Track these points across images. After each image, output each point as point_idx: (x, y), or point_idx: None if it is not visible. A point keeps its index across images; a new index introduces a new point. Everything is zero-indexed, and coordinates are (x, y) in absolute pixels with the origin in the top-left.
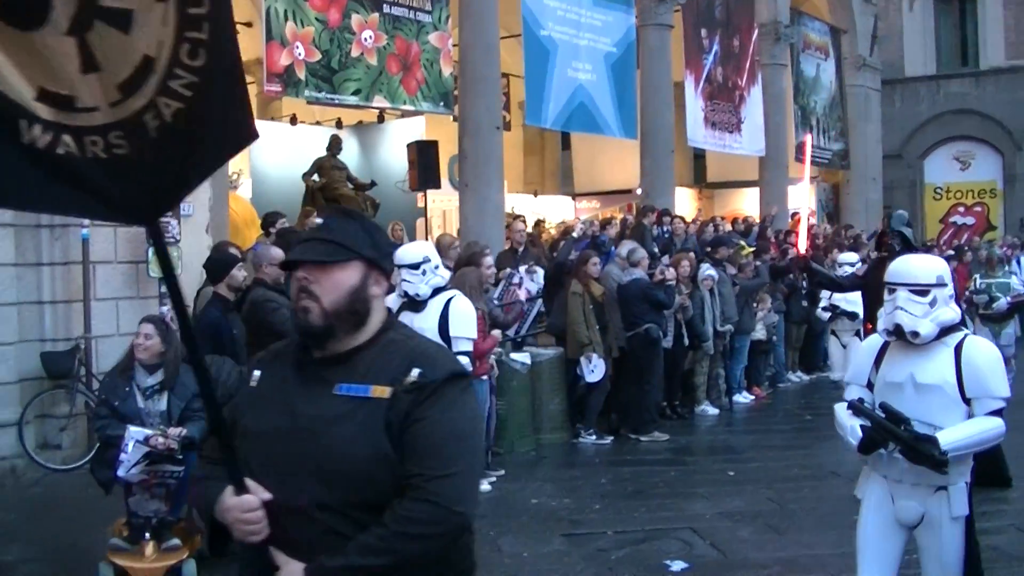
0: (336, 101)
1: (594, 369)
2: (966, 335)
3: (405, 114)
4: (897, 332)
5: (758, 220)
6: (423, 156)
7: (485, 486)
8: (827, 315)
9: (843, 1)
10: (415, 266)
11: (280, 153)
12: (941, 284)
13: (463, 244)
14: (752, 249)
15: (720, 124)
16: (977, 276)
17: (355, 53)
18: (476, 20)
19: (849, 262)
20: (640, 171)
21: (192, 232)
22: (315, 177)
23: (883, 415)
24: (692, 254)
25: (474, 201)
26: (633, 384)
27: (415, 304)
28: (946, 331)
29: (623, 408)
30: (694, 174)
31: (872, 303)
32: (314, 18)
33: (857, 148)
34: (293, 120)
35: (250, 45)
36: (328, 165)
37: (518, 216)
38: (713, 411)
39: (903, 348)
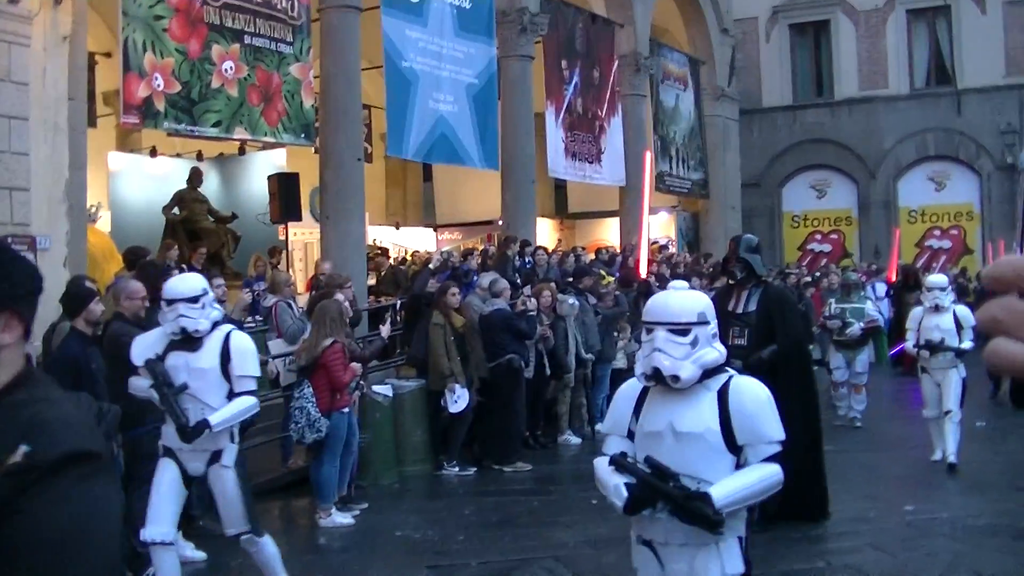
0: (196, 133)
1: (457, 400)
2: (731, 377)
3: (266, 146)
4: (656, 376)
5: (619, 249)
6: (284, 188)
7: (349, 519)
8: None
9: (702, 32)
10: (194, 299)
11: (140, 185)
12: (703, 322)
13: (325, 276)
14: (613, 278)
15: (581, 154)
16: (832, 301)
17: (216, 84)
18: (338, 51)
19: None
20: (502, 202)
21: (49, 266)
22: (175, 210)
23: (649, 470)
24: (553, 284)
25: (336, 233)
26: (496, 414)
27: (190, 342)
28: (709, 373)
29: (486, 439)
30: (555, 204)
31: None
32: (174, 49)
33: (716, 177)
34: (153, 152)
35: (108, 76)
36: (189, 198)
37: (383, 249)
38: (576, 440)
39: (663, 393)
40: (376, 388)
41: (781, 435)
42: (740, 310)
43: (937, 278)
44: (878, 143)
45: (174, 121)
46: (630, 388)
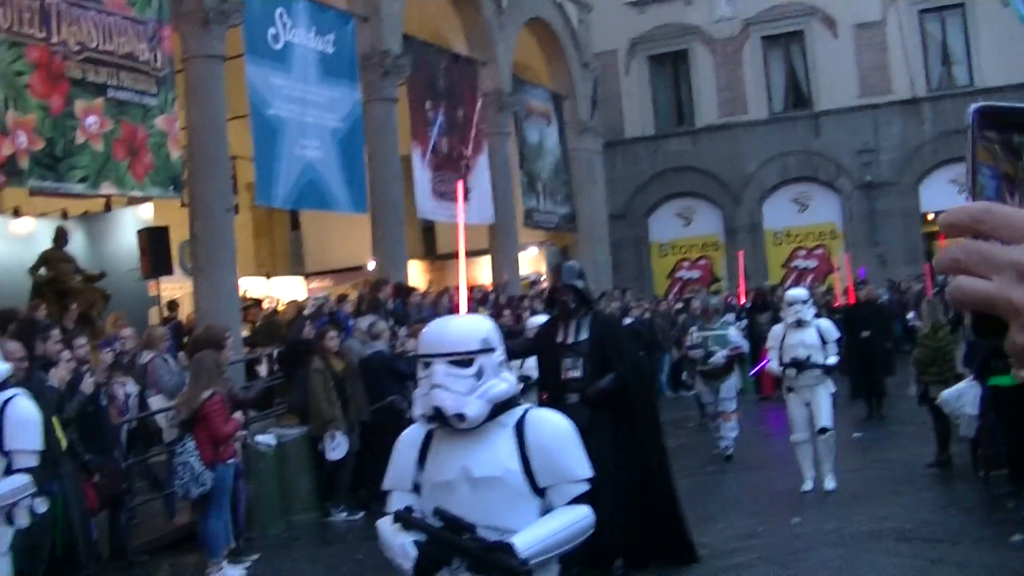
0: (62, 190)
1: (336, 447)
2: (527, 410)
3: (133, 201)
4: (438, 417)
5: (491, 287)
6: (154, 243)
7: (241, 572)
8: (520, 386)
9: (562, 68)
10: None
11: (3, 247)
12: (488, 349)
13: (201, 327)
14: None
15: (448, 194)
16: (693, 329)
17: (80, 139)
18: (203, 101)
19: (538, 324)
20: (372, 245)
21: None
22: (42, 271)
23: (440, 524)
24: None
25: (208, 285)
26: (381, 457)
27: None
28: (501, 408)
29: (373, 482)
30: (424, 246)
31: (545, 370)
32: (35, 105)
33: (583, 210)
34: (16, 212)
35: None
36: (55, 258)
37: (256, 299)
38: None
39: (450, 436)
40: (259, 438)
41: (588, 472)
42: (571, 340)
43: (796, 292)
44: (741, 168)
45: (39, 179)
46: (412, 435)
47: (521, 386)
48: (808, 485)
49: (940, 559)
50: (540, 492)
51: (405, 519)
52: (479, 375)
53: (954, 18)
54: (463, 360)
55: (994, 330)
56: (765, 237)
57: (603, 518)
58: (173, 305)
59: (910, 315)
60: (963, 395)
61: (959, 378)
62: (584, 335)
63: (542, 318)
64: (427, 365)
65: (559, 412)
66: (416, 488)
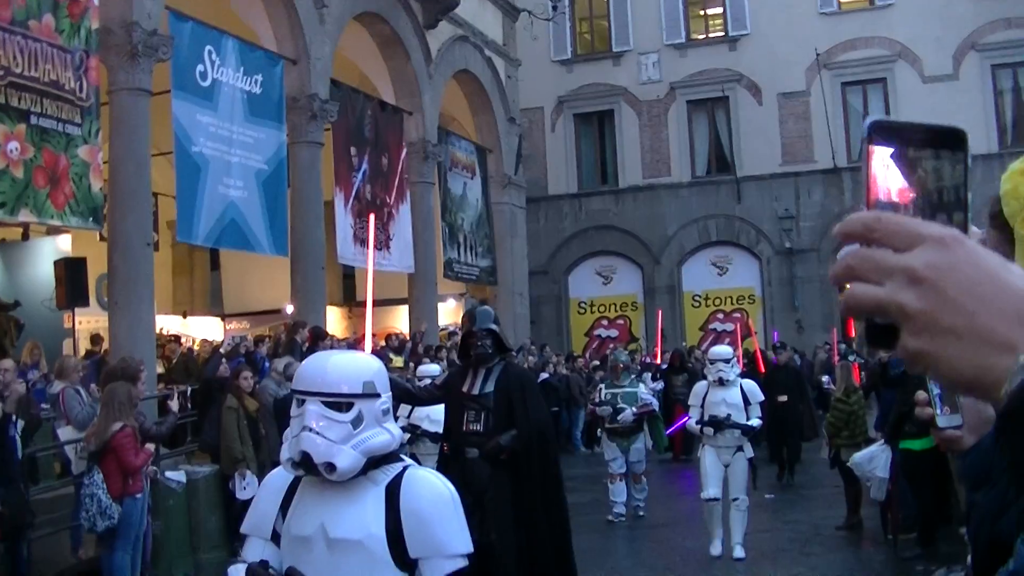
0: None
1: (247, 486)
2: (405, 469)
3: (52, 230)
4: (305, 463)
5: (408, 336)
6: (71, 274)
7: None
8: (406, 436)
9: (489, 121)
10: None
11: None
12: (371, 394)
13: (116, 360)
14: (403, 363)
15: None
16: (602, 386)
17: (0, 165)
18: (127, 134)
19: (430, 374)
20: (291, 288)
21: None
22: None
23: None
24: None
25: (125, 320)
26: None
27: None
28: (377, 462)
29: None
30: (343, 292)
31: (449, 420)
32: None
33: (504, 264)
34: None
35: None
36: None
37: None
38: None
39: (317, 486)
40: (169, 474)
41: (466, 547)
42: (476, 391)
43: (721, 349)
44: (662, 229)
45: None
46: (277, 478)
47: (407, 437)
48: (716, 548)
49: None
50: (409, 564)
51: (256, 575)
52: (357, 422)
53: (876, 92)
54: (341, 403)
55: (886, 338)
56: (684, 299)
57: None
58: (97, 339)
59: (824, 379)
60: (874, 458)
61: (870, 442)
62: (491, 387)
63: (434, 367)
64: (301, 403)
65: (455, 469)
66: (276, 537)
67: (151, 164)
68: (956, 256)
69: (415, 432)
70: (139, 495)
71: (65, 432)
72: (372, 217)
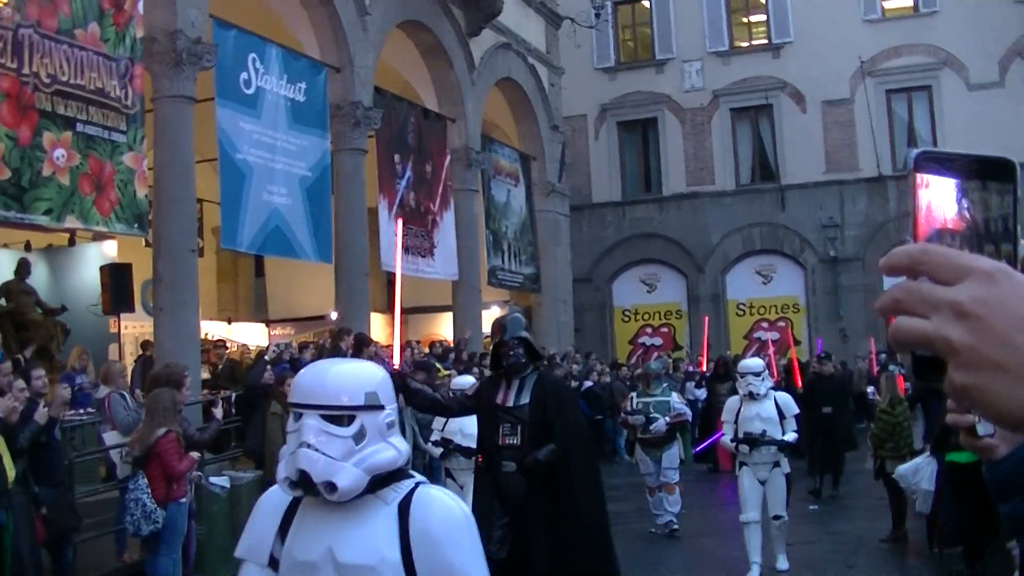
0: (27, 221)
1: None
2: (416, 486)
3: (97, 236)
4: (304, 483)
5: (452, 343)
6: (116, 279)
7: None
8: (438, 451)
9: (532, 129)
10: None
11: None
12: (374, 406)
13: (160, 366)
14: (449, 372)
15: (413, 249)
16: (633, 395)
17: (47, 172)
18: (171, 142)
19: (463, 386)
20: (335, 295)
21: None
22: (2, 301)
23: None
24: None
25: (170, 325)
26: None
27: None
28: (385, 480)
29: None
30: (387, 299)
31: (482, 433)
32: (4, 135)
33: (548, 272)
34: None
35: None
36: (16, 289)
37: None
38: None
39: (319, 508)
40: (213, 479)
41: (482, 573)
42: (510, 403)
43: (751, 362)
44: (705, 238)
45: (3, 208)
46: (274, 498)
47: (440, 452)
48: (755, 573)
49: None
50: None
51: None
52: (359, 437)
53: (921, 99)
54: (341, 417)
55: (933, 372)
56: (728, 307)
57: None
58: (147, 345)
59: (869, 389)
60: (920, 470)
61: (915, 453)
62: (525, 399)
63: (468, 379)
64: (298, 417)
65: (490, 483)
66: (274, 562)
67: (195, 171)
68: (1004, 290)
69: (448, 447)
70: (183, 500)
71: (110, 437)
72: (400, 222)
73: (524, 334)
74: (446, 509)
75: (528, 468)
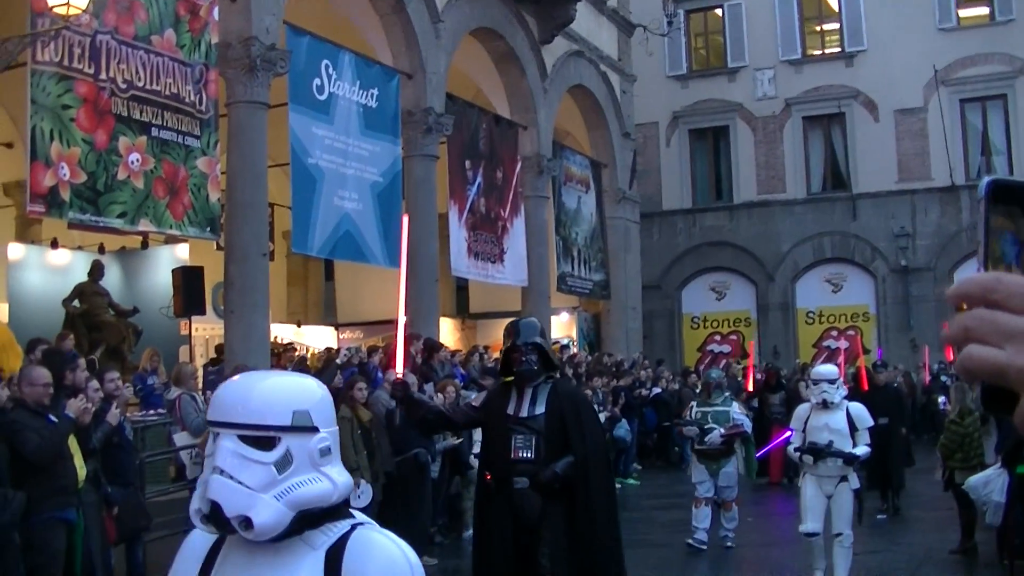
0: (101, 223)
1: (360, 495)
2: (354, 528)
3: (169, 240)
4: (215, 517)
5: None
6: (188, 282)
7: None
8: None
9: (603, 136)
10: None
11: (39, 277)
12: (304, 428)
13: (229, 368)
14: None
15: (483, 254)
16: (693, 404)
17: (121, 176)
18: (244, 146)
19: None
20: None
21: None
22: (75, 303)
23: None
24: (457, 381)
25: (240, 328)
26: (402, 509)
27: None
28: (316, 519)
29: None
30: (456, 304)
31: (490, 446)
32: (81, 139)
33: (617, 278)
34: (54, 244)
35: (7, 167)
36: (89, 291)
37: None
38: None
39: (243, 548)
40: None
41: None
42: (524, 413)
43: (825, 368)
44: (776, 246)
45: (79, 211)
46: (197, 539)
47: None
48: None
49: None
50: None
51: None
52: (283, 464)
53: (995, 109)
54: (263, 439)
55: (1004, 401)
56: (797, 315)
57: None
58: (221, 348)
59: (940, 399)
60: (990, 482)
61: (985, 465)
62: (540, 408)
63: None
64: (215, 436)
65: (502, 501)
66: None
67: (267, 176)
68: None
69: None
70: None
71: (180, 437)
72: (406, 219)
73: (538, 339)
74: (386, 558)
75: (544, 484)
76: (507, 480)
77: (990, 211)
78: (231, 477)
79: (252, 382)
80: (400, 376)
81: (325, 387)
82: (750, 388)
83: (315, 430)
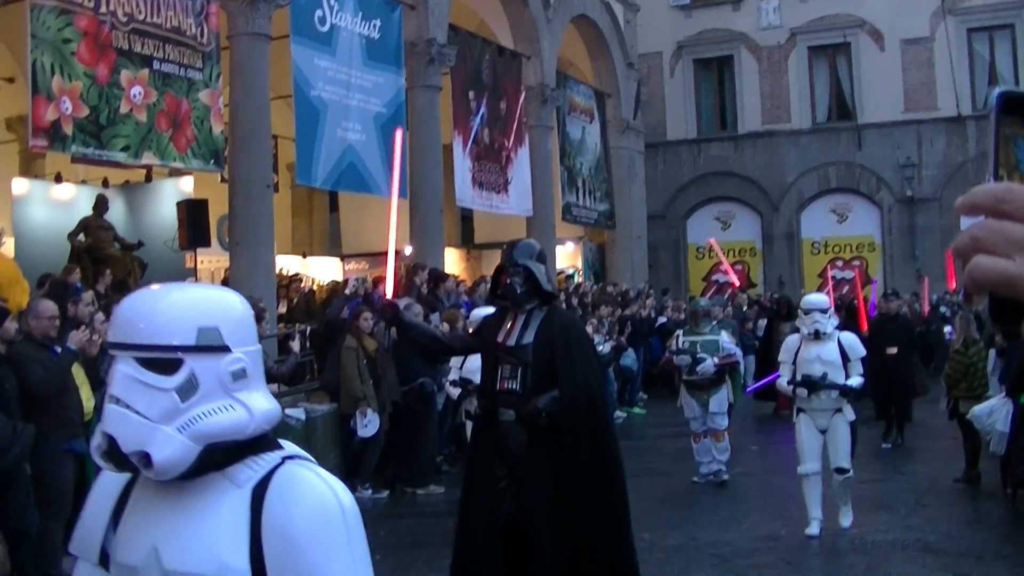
0: (104, 157)
1: (368, 424)
2: (283, 463)
3: (173, 173)
4: (114, 454)
5: None
6: (193, 215)
7: None
8: (456, 391)
9: (607, 67)
10: None
11: (44, 212)
12: (212, 348)
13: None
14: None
15: (487, 185)
16: (679, 332)
17: (124, 109)
18: (247, 78)
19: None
20: (409, 231)
21: None
22: (81, 237)
23: None
24: (463, 311)
25: (244, 260)
26: (408, 438)
27: None
28: (238, 452)
29: (399, 462)
30: (462, 235)
31: (484, 375)
32: (82, 73)
33: (622, 209)
34: (58, 178)
35: (10, 102)
36: (94, 225)
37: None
38: None
39: (151, 490)
40: (288, 411)
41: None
42: (512, 342)
43: (816, 297)
44: (781, 176)
45: (82, 145)
46: (109, 478)
47: (458, 392)
48: (814, 528)
49: (964, 573)
50: None
51: None
52: (187, 390)
53: (1003, 38)
54: (163, 362)
55: (1012, 313)
56: (802, 246)
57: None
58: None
59: (947, 329)
60: (995, 411)
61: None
62: (529, 337)
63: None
64: (113, 360)
65: (489, 433)
66: (106, 559)
67: (270, 108)
68: None
69: (467, 388)
70: None
71: None
72: (399, 135)
73: (528, 262)
74: (316, 497)
75: (528, 417)
76: (493, 412)
77: (1000, 122)
78: (128, 407)
79: (154, 297)
80: (389, 298)
81: (246, 302)
82: (864, 326)
83: (226, 350)
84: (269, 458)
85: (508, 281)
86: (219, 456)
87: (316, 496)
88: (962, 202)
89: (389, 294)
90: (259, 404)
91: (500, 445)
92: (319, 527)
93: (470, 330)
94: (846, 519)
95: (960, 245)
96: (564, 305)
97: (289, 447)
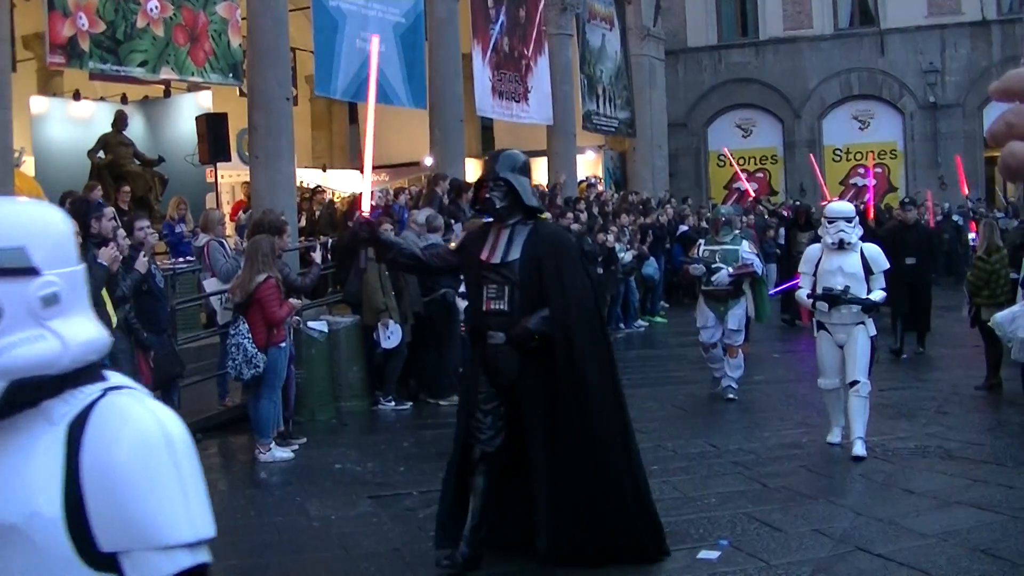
0: (122, 73)
1: (391, 335)
2: (105, 393)
3: (192, 88)
4: None
5: (547, 188)
6: (212, 129)
7: (288, 454)
8: (464, 304)
9: None
10: None
11: (63, 129)
12: (18, 270)
13: (257, 213)
14: (545, 216)
15: (507, 94)
16: (701, 242)
17: (141, 24)
18: None
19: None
20: (430, 141)
21: None
22: (101, 154)
23: None
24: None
25: (265, 174)
26: (431, 349)
27: None
28: (59, 386)
29: (421, 373)
30: (482, 144)
31: (469, 295)
32: None
33: (643, 116)
34: (76, 95)
35: (27, 20)
36: (114, 141)
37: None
38: None
39: None
40: (311, 324)
41: (195, 531)
42: (496, 259)
43: (841, 205)
44: (802, 83)
45: (99, 61)
46: None
47: (465, 305)
48: (835, 436)
49: (985, 479)
50: (107, 561)
51: None
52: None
53: None
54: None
55: None
56: (824, 152)
57: (539, 516)
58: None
59: (972, 236)
60: (1016, 318)
61: (1012, 301)
62: (515, 254)
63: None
64: None
65: (478, 357)
66: None
67: (288, 19)
68: None
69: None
70: (283, 344)
71: (210, 284)
72: (375, 40)
73: (509, 175)
74: (140, 429)
75: (517, 339)
76: (481, 334)
77: None
78: None
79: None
80: (365, 216)
81: (64, 218)
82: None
83: (34, 273)
84: (88, 391)
85: (487, 196)
86: (31, 392)
87: (139, 428)
88: (996, 87)
89: (366, 211)
90: (76, 333)
91: (489, 369)
92: (143, 462)
93: (452, 245)
94: (859, 450)
95: (995, 131)
96: (585, 214)
97: (115, 377)
